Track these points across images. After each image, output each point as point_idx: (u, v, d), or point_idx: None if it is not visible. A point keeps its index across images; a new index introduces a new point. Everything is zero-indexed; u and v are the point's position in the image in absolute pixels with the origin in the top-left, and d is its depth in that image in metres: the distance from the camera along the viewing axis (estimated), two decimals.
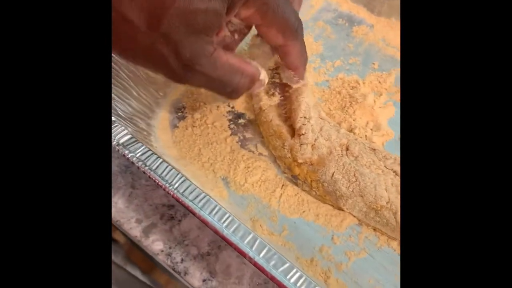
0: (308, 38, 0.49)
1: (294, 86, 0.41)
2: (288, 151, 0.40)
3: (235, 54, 0.34)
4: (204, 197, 0.33)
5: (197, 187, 0.33)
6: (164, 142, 0.42)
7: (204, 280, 0.37)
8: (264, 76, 0.36)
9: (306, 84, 0.42)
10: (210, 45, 0.30)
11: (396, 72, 0.46)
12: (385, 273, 0.37)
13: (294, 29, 0.36)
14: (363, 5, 0.50)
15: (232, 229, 0.32)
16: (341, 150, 0.39)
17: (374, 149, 0.40)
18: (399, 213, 0.36)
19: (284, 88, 0.43)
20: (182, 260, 0.38)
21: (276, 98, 0.43)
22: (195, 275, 0.37)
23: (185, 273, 0.37)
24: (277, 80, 0.44)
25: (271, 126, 0.42)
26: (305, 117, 0.40)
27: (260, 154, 0.43)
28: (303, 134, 0.40)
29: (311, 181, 0.40)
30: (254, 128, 0.44)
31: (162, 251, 0.39)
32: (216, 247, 0.39)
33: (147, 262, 0.70)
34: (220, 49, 0.31)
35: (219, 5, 0.28)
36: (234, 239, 0.31)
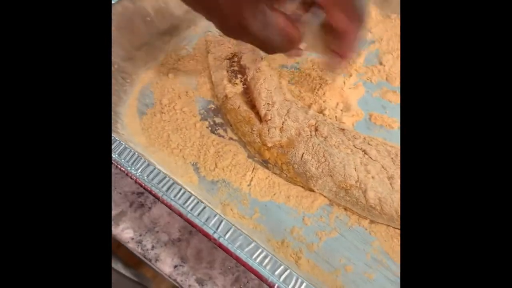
0: None
1: (332, 77, 0.41)
2: (257, 136, 0.40)
3: (287, 18, 0.32)
4: (168, 181, 0.33)
5: (161, 172, 0.33)
6: (132, 129, 0.41)
7: (175, 266, 0.37)
8: (303, 47, 0.36)
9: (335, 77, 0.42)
10: (269, 9, 0.30)
11: (365, 52, 0.46)
12: (356, 251, 0.37)
13: (359, 13, 0.33)
14: None
15: (197, 212, 0.31)
16: (310, 131, 0.39)
17: (343, 129, 0.40)
18: (368, 191, 0.36)
19: (243, 76, 0.43)
20: (152, 247, 0.38)
21: (240, 86, 0.43)
22: (166, 262, 0.37)
23: (156, 260, 0.37)
24: (237, 68, 0.44)
25: (239, 113, 0.41)
26: (268, 103, 0.40)
27: (230, 138, 0.42)
28: (269, 119, 0.39)
29: (281, 163, 0.40)
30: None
31: (133, 238, 0.38)
32: (187, 233, 0.38)
33: (132, 256, 0.70)
34: (277, 13, 0.31)
35: None
36: (199, 221, 0.31)
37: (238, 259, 0.30)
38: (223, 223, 0.31)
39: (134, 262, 0.70)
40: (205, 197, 0.38)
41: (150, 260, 0.37)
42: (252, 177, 0.40)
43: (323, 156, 0.38)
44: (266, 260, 0.30)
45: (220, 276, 0.36)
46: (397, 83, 0.44)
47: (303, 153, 0.38)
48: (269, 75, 0.42)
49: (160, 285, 0.75)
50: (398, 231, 0.37)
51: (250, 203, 0.39)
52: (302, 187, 0.40)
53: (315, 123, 0.40)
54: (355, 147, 0.39)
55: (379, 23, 0.47)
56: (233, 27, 0.31)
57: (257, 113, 0.41)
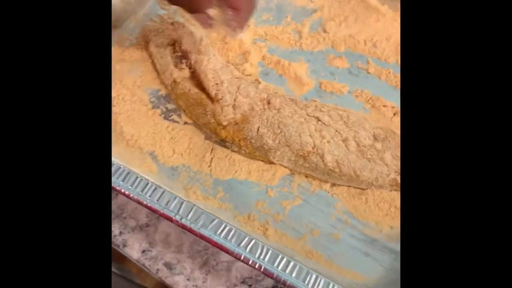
0: None
1: (232, 37, 0.41)
2: (211, 117, 0.40)
3: None
4: (123, 171, 0.32)
5: (115, 163, 0.33)
6: None
7: (143, 251, 0.37)
8: (214, 14, 0.37)
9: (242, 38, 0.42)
10: None
11: (309, 22, 0.47)
12: (322, 215, 0.38)
13: None
14: None
15: (156, 198, 0.31)
16: (263, 105, 0.40)
17: (294, 100, 0.41)
18: (325, 155, 0.37)
19: (187, 61, 0.43)
20: (120, 233, 0.38)
21: (186, 71, 0.42)
22: (134, 247, 0.37)
23: (124, 245, 0.37)
24: (180, 54, 0.43)
25: (190, 96, 0.41)
26: (216, 83, 0.40)
27: (185, 123, 0.42)
28: (221, 99, 0.39)
29: (239, 140, 0.40)
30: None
31: None
32: (155, 218, 0.38)
33: (116, 251, 0.69)
34: None
35: None
36: (159, 206, 0.31)
37: (202, 237, 0.30)
38: (183, 204, 0.31)
39: (118, 256, 0.70)
40: (167, 183, 0.38)
41: (118, 246, 0.37)
42: (211, 158, 0.40)
43: (278, 127, 0.38)
44: (231, 234, 0.30)
45: (188, 260, 0.36)
46: (342, 48, 0.45)
47: (258, 127, 0.39)
48: (212, 55, 0.42)
49: (145, 280, 0.75)
50: (359, 190, 0.39)
51: (213, 184, 0.39)
52: (262, 161, 0.40)
53: (267, 97, 0.40)
54: (308, 115, 0.39)
55: None
56: None
57: (208, 95, 0.41)
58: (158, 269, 0.36)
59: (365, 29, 0.46)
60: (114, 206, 0.39)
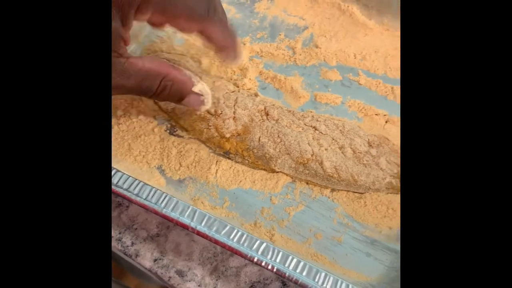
0: None
1: (237, 65, 0.43)
2: (214, 130, 0.42)
3: (155, 59, 0.35)
4: (138, 183, 0.34)
5: (130, 177, 0.34)
6: None
7: (155, 260, 0.38)
8: (202, 89, 0.38)
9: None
10: (119, 58, 0.32)
11: (301, 38, 0.49)
12: (323, 219, 0.40)
13: (203, 12, 0.36)
14: None
15: (170, 208, 0.33)
16: (261, 116, 0.42)
17: (291, 111, 0.43)
18: (324, 162, 0.40)
19: None
20: (132, 243, 0.39)
21: None
22: (146, 256, 0.38)
23: (136, 255, 0.38)
24: None
25: (193, 112, 0.43)
26: (213, 102, 0.41)
27: (190, 138, 0.44)
28: (221, 113, 0.42)
29: (242, 151, 0.42)
30: None
31: (112, 237, 0.39)
32: (165, 228, 0.40)
33: (115, 267, 0.69)
34: (135, 58, 0.33)
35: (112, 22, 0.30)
36: (174, 215, 0.33)
37: (217, 242, 0.32)
38: (197, 213, 0.33)
39: (116, 272, 0.70)
40: (175, 195, 0.40)
41: (130, 256, 0.38)
42: (217, 169, 0.42)
43: (278, 136, 0.41)
44: (243, 239, 0.32)
45: (199, 267, 0.38)
46: (333, 62, 0.48)
47: (259, 137, 0.41)
48: (199, 82, 0.43)
49: None
50: (358, 195, 0.41)
51: (219, 194, 0.41)
52: (265, 169, 0.42)
53: (265, 108, 0.42)
54: (306, 125, 0.42)
55: (309, 9, 0.51)
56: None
57: (208, 111, 0.42)
58: (170, 277, 0.37)
59: (354, 43, 0.49)
60: (125, 218, 0.40)
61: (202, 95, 0.38)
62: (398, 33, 0.49)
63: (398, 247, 0.39)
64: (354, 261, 0.38)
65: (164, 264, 0.38)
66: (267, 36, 0.50)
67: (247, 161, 0.42)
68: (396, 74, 0.47)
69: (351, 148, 0.41)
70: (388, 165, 0.40)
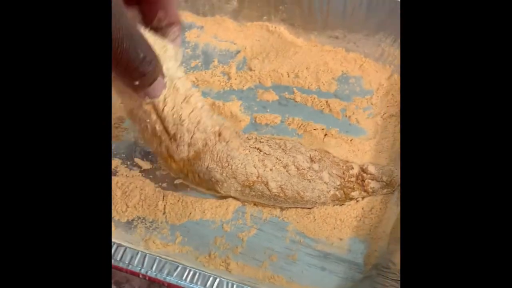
0: None
1: (174, 43, 0.40)
2: (165, 150, 0.40)
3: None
4: None
5: None
6: None
7: None
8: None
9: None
10: None
11: (234, 63, 0.50)
12: (276, 240, 0.41)
13: None
14: (188, 10, 0.52)
15: (119, 257, 0.33)
16: (214, 138, 0.41)
17: (238, 133, 0.43)
18: (269, 182, 0.40)
19: None
20: None
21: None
22: None
23: None
24: None
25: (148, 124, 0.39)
26: (175, 124, 0.39)
27: (133, 176, 0.43)
28: (179, 138, 0.39)
29: (187, 172, 0.41)
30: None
31: None
32: (123, 278, 0.39)
33: None
34: None
35: None
36: (123, 264, 0.32)
37: (170, 285, 0.31)
38: (147, 258, 0.33)
39: None
40: (125, 238, 0.39)
41: None
42: (164, 205, 0.42)
43: (226, 161, 0.41)
44: (196, 277, 0.32)
45: None
46: (269, 83, 0.49)
47: (208, 164, 0.41)
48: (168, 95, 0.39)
49: None
50: (306, 210, 0.42)
51: (170, 230, 0.41)
52: (213, 193, 0.42)
53: (219, 129, 0.41)
54: (251, 147, 0.42)
55: (238, 33, 0.52)
56: None
57: (167, 129, 0.40)
58: None
59: (286, 62, 0.50)
60: None
61: (165, 76, 0.35)
62: (326, 47, 0.51)
63: (349, 257, 0.40)
64: (310, 277, 0.39)
65: None
66: (201, 64, 0.50)
67: (190, 180, 0.42)
68: (329, 87, 0.49)
69: (294, 165, 0.42)
70: (331, 178, 0.42)
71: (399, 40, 0.48)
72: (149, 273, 0.32)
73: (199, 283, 0.32)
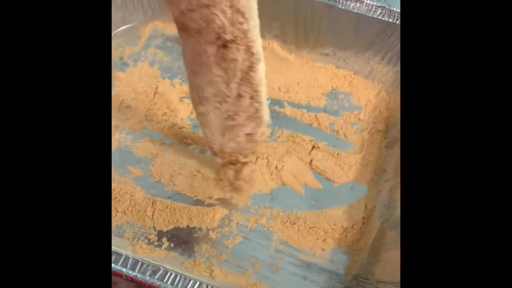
0: (144, 65, 0.52)
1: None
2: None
3: None
4: None
5: None
6: None
7: None
8: None
9: None
10: None
11: None
12: (261, 249, 0.42)
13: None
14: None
15: None
16: None
17: None
18: None
19: None
20: None
21: None
22: None
23: None
24: None
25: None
26: None
27: (124, 182, 0.45)
28: None
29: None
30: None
31: None
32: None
33: None
34: None
35: None
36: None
37: (151, 287, 0.32)
38: (130, 260, 0.34)
39: None
40: (114, 241, 0.40)
41: None
42: (153, 211, 0.43)
43: None
44: (177, 280, 0.33)
45: None
46: None
47: None
48: None
49: None
50: (292, 220, 0.43)
51: (157, 235, 0.42)
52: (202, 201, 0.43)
53: None
54: None
55: None
56: None
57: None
58: None
59: (278, 77, 0.52)
60: None
61: None
62: (317, 64, 0.52)
63: (331, 267, 0.41)
64: (292, 286, 0.40)
65: None
66: None
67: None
68: (319, 102, 0.50)
69: None
70: None
71: (387, 59, 0.50)
72: (131, 274, 0.33)
73: (179, 285, 0.32)
